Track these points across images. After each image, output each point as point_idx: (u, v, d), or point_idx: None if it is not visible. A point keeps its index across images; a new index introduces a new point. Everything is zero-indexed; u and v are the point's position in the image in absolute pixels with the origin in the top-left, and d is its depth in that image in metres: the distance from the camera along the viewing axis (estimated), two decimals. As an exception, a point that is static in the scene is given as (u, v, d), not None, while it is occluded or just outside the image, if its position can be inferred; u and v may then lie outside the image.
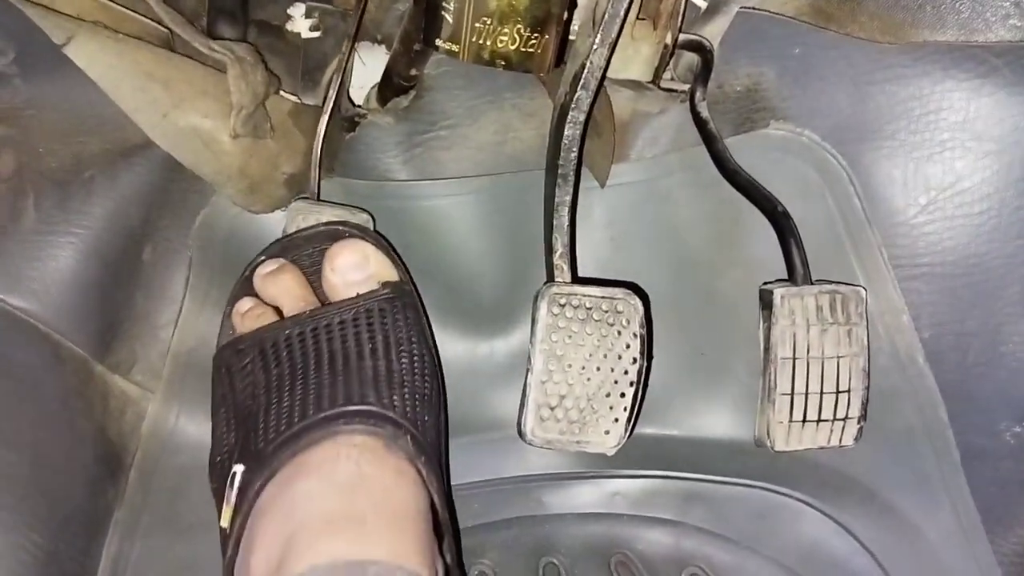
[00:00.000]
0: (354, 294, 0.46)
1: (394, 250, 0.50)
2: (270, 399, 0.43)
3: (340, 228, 0.49)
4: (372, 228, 0.52)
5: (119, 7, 0.47)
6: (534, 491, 0.53)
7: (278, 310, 0.47)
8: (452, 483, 0.51)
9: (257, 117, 0.47)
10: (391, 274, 0.48)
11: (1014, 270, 0.47)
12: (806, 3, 0.48)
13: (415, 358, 0.46)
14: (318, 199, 0.51)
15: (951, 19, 0.45)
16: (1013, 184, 0.46)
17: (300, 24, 0.51)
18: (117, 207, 0.47)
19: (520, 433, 0.42)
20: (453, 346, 0.54)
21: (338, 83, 0.47)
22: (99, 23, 0.46)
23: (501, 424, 0.53)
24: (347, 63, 0.47)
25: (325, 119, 0.48)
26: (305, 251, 0.49)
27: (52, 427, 0.45)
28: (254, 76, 0.46)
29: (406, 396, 0.43)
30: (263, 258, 0.48)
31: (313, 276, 0.48)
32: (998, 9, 0.44)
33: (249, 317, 0.47)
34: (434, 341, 0.50)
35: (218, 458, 0.45)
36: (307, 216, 0.49)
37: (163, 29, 0.47)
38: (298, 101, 0.52)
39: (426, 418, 0.44)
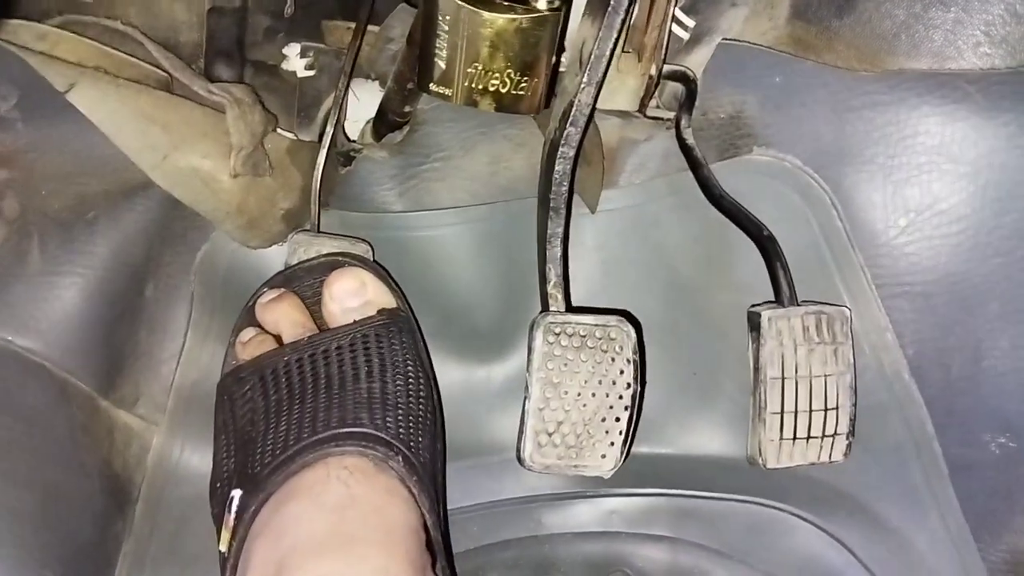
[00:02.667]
0: (351, 320, 0.47)
1: (392, 279, 0.51)
2: (268, 424, 0.44)
3: (340, 259, 0.50)
4: (371, 258, 0.53)
5: (119, 53, 0.48)
6: (532, 512, 0.54)
7: (279, 339, 0.48)
8: (451, 506, 0.52)
9: (256, 156, 0.48)
10: (388, 301, 0.49)
11: (992, 287, 0.48)
12: (785, 33, 0.50)
13: (410, 380, 0.47)
14: (318, 231, 0.52)
15: (925, 47, 0.46)
16: (989, 205, 0.47)
17: (295, 63, 0.53)
18: (120, 246, 0.48)
19: (519, 459, 0.43)
20: (450, 372, 0.55)
21: (335, 120, 0.48)
22: (100, 68, 0.47)
23: (498, 448, 0.54)
24: (343, 101, 0.48)
25: (324, 153, 0.50)
26: (306, 282, 0.50)
27: (61, 464, 0.46)
28: (252, 117, 0.47)
29: (399, 417, 0.44)
30: (265, 289, 0.50)
31: (314, 306, 0.50)
32: (969, 38, 0.45)
33: (251, 345, 0.48)
34: (431, 366, 0.51)
35: (218, 484, 0.46)
36: (308, 248, 0.51)
37: (162, 73, 0.49)
38: (294, 138, 0.53)
39: (420, 439, 0.45)
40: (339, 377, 0.45)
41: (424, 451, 0.45)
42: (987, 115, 0.46)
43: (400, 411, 0.45)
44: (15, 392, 0.45)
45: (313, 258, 0.50)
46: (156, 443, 0.51)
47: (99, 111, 0.45)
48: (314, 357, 0.46)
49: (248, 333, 0.49)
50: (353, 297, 0.48)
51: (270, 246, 0.52)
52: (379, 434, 0.43)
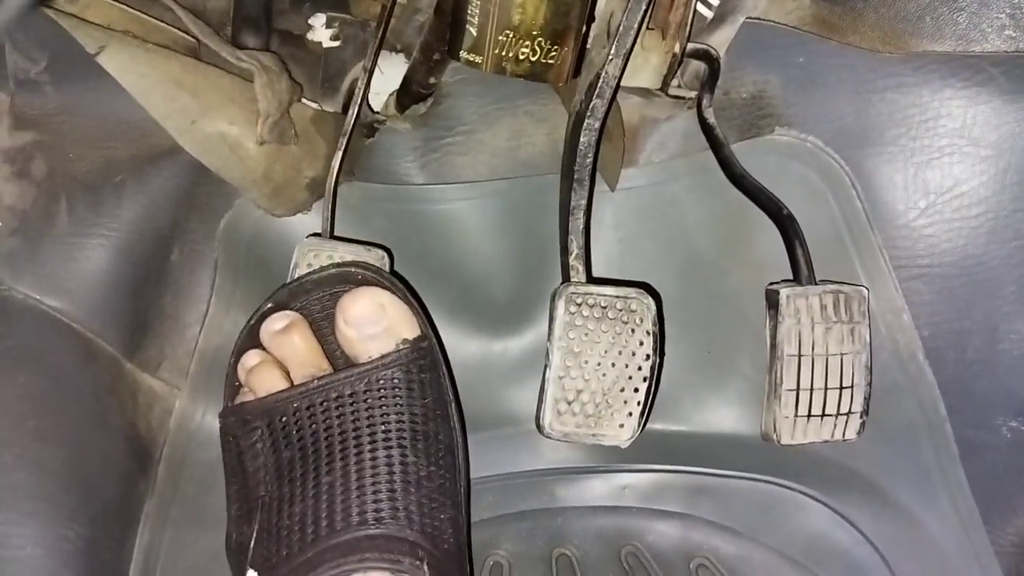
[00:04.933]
0: (368, 349, 0.45)
1: (411, 291, 0.48)
2: (281, 495, 0.42)
3: (352, 270, 0.46)
4: (389, 266, 0.50)
5: (149, 18, 0.49)
6: (547, 485, 0.55)
7: (286, 369, 0.46)
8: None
9: (283, 124, 0.49)
10: (409, 325, 0.46)
11: (1010, 271, 0.49)
12: (809, 14, 0.50)
13: (429, 439, 0.44)
14: (331, 235, 0.49)
15: (949, 30, 0.47)
16: (1009, 188, 0.48)
17: (321, 34, 0.53)
18: (146, 210, 0.49)
19: (538, 426, 0.43)
20: (468, 344, 0.55)
21: (360, 96, 0.48)
22: (129, 33, 0.48)
23: (514, 420, 0.55)
24: (370, 74, 0.49)
25: (348, 131, 0.48)
26: (315, 295, 0.46)
27: (87, 423, 0.46)
28: (279, 85, 0.48)
29: (423, 499, 0.42)
30: (270, 305, 0.46)
31: (324, 322, 0.47)
32: (994, 20, 0.46)
33: (255, 375, 0.45)
34: (455, 391, 0.49)
35: (234, 536, 0.45)
36: (318, 254, 0.47)
37: (191, 39, 0.49)
38: (319, 108, 0.53)
39: (442, 516, 0.43)
40: (355, 439, 0.42)
41: (447, 525, 0.44)
42: (1010, 98, 0.47)
43: (423, 490, 0.43)
44: (43, 351, 0.46)
45: (323, 268, 0.46)
46: (178, 406, 0.52)
47: (129, 75, 0.46)
48: (326, 405, 0.43)
49: (252, 358, 0.46)
50: (372, 325, 0.45)
51: (294, 214, 0.53)
52: (402, 535, 0.41)
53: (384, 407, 0.43)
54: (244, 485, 0.45)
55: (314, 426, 0.43)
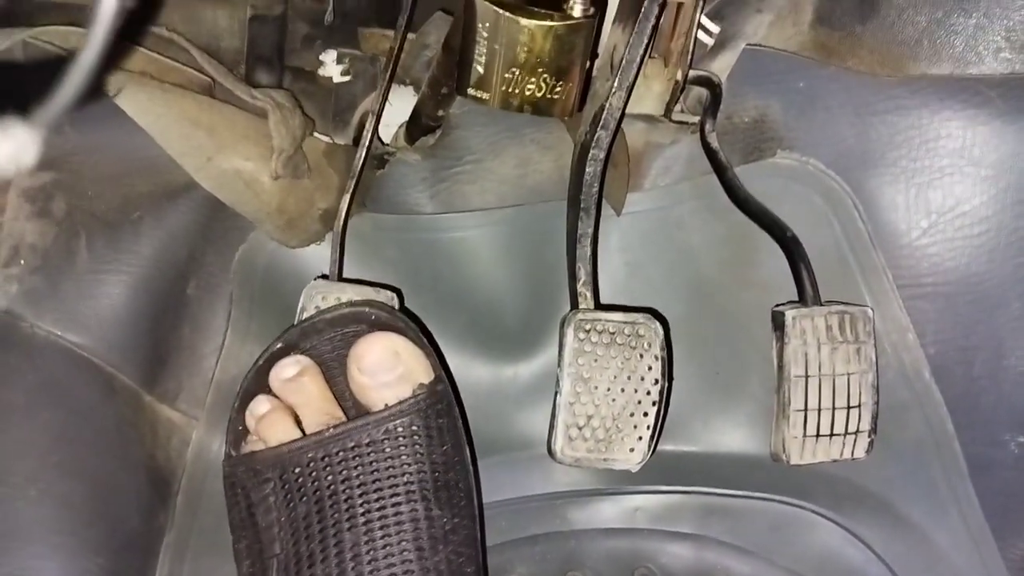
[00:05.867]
0: (384, 397, 0.44)
1: (422, 330, 0.47)
2: (299, 550, 0.41)
3: (366, 310, 0.45)
4: (398, 306, 0.50)
5: (164, 58, 0.50)
6: (559, 508, 0.55)
7: (295, 412, 0.45)
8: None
9: (296, 159, 0.50)
10: (424, 369, 0.45)
11: (1014, 287, 0.49)
12: (809, 39, 0.51)
13: (451, 488, 0.43)
14: (339, 278, 0.49)
15: (946, 53, 0.48)
16: (1010, 207, 0.48)
17: (332, 69, 0.55)
18: (164, 245, 0.50)
19: (550, 452, 0.44)
20: (478, 369, 0.56)
21: (371, 132, 0.49)
22: (146, 74, 0.49)
23: (526, 444, 0.55)
24: (381, 107, 0.50)
25: (352, 184, 0.49)
26: (326, 335, 0.46)
27: (109, 456, 0.47)
28: (293, 121, 0.49)
29: (451, 555, 0.41)
30: (280, 346, 0.46)
31: (334, 363, 0.46)
32: (990, 43, 0.47)
33: (265, 423, 0.44)
34: (468, 432, 0.48)
35: None
36: (326, 297, 0.48)
37: (206, 78, 0.50)
38: (331, 141, 0.54)
39: (468, 570, 0.43)
40: (376, 491, 0.41)
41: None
42: (1008, 119, 0.48)
43: (450, 544, 0.42)
44: (66, 386, 0.46)
45: (336, 307, 0.46)
46: (195, 437, 0.52)
47: (146, 115, 0.47)
48: (343, 455, 0.41)
49: (262, 405, 0.45)
50: (387, 372, 0.44)
51: (307, 245, 0.54)
52: None
53: (404, 457, 0.42)
54: (256, 541, 0.44)
55: (331, 477, 0.41)
